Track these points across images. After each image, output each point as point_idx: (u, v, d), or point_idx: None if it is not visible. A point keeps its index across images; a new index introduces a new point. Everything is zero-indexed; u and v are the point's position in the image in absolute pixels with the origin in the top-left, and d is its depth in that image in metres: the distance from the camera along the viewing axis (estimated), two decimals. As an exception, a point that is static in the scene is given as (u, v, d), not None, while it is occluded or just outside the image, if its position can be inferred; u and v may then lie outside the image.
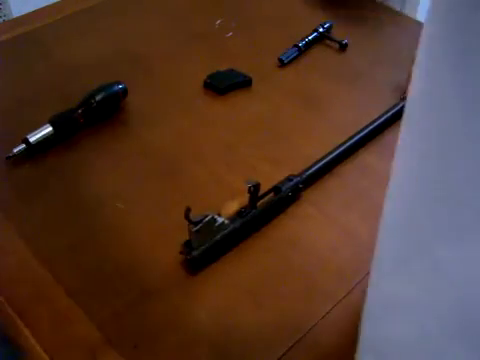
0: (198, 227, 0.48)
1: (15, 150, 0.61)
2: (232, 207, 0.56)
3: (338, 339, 0.47)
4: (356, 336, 0.46)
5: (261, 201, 0.54)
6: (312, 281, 0.51)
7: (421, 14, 0.94)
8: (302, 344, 0.46)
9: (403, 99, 0.68)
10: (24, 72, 0.76)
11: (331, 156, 0.61)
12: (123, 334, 0.46)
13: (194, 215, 0.48)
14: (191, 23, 0.86)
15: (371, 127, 0.65)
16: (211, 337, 0.46)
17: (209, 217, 0.49)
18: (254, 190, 0.52)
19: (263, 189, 0.54)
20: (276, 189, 0.56)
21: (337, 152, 0.62)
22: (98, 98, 0.66)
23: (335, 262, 0.53)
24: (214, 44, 0.82)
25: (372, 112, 0.66)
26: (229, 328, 0.47)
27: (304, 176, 0.58)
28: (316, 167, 0.59)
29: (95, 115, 0.66)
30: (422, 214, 0.29)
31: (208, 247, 0.50)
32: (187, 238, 0.50)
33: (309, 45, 0.81)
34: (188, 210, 0.48)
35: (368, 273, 0.48)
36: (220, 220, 0.50)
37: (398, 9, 0.92)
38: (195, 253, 0.50)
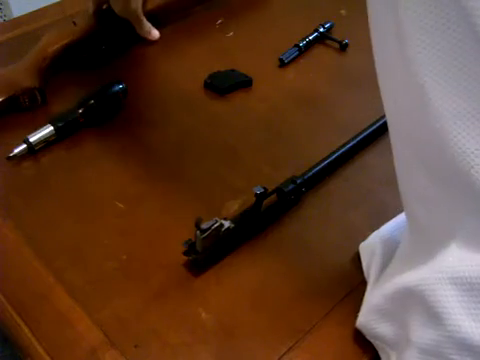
0: (206, 234, 0.48)
1: (16, 150, 0.61)
2: (233, 207, 0.56)
3: (338, 339, 0.47)
4: (356, 337, 0.47)
5: (264, 202, 0.54)
6: (313, 281, 0.51)
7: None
8: (302, 344, 0.46)
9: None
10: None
11: (333, 157, 0.61)
12: (124, 334, 0.46)
13: (198, 217, 0.48)
14: (191, 23, 0.86)
15: (373, 127, 0.64)
16: (213, 337, 0.46)
17: (217, 224, 0.49)
18: (260, 196, 0.52)
19: (264, 189, 0.54)
20: (279, 191, 0.56)
21: (339, 153, 0.61)
22: (98, 98, 0.66)
23: (337, 262, 0.53)
24: (214, 44, 0.82)
25: (373, 112, 0.66)
26: (230, 328, 0.47)
27: (306, 178, 0.58)
28: (318, 168, 0.59)
29: (95, 115, 0.66)
30: None
31: (211, 249, 0.50)
32: (189, 238, 0.50)
33: (309, 45, 0.81)
34: (199, 219, 0.48)
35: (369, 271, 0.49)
36: (226, 225, 0.50)
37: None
38: (198, 254, 0.50)
